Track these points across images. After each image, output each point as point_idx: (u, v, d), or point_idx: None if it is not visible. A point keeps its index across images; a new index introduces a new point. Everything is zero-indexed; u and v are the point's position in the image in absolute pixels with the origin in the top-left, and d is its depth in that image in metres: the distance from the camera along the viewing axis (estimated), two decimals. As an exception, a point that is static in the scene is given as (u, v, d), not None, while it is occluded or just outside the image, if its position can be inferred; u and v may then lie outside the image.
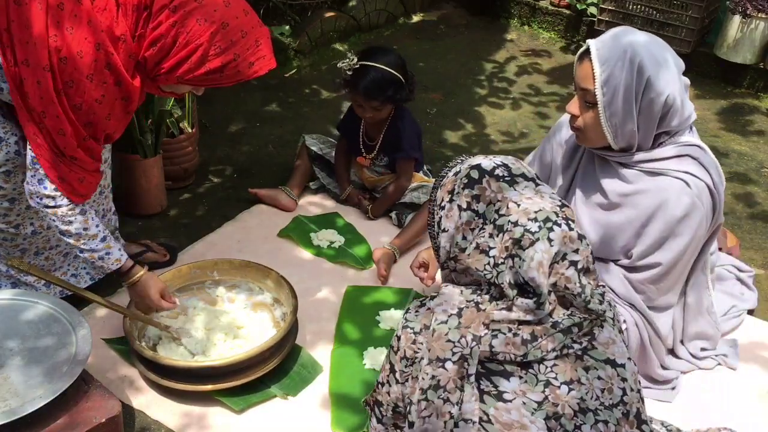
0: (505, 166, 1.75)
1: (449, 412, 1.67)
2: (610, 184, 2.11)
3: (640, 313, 2.13)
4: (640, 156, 2.06)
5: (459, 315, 1.72)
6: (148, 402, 2.11)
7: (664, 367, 2.23)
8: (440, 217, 1.80)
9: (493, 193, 1.72)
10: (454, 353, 1.67)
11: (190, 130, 3.01)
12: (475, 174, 1.74)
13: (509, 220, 1.68)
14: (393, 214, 2.91)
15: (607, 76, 1.96)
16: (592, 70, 1.97)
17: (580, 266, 1.68)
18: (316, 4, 4.44)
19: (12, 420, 1.72)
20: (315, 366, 2.24)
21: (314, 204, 3.01)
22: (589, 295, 1.70)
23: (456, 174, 1.78)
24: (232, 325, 2.27)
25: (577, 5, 4.58)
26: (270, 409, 2.11)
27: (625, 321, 2.11)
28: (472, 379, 1.66)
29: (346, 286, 2.57)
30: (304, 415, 2.09)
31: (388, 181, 2.93)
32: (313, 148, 3.01)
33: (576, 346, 1.68)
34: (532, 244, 1.64)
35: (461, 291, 1.78)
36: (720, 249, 2.69)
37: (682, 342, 2.27)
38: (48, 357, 1.90)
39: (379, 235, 2.84)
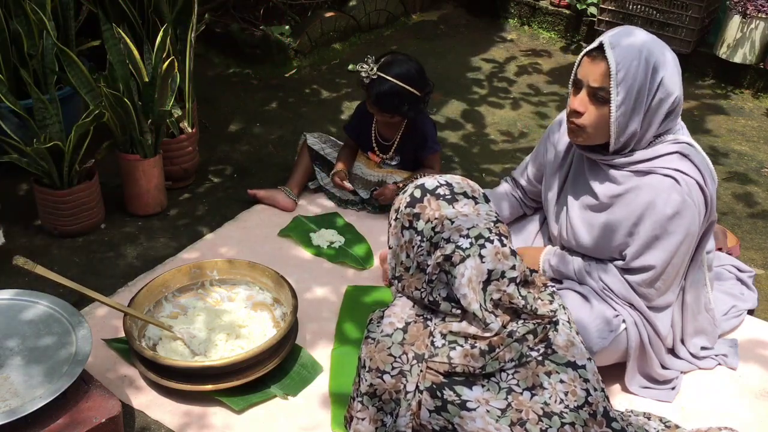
0: (449, 185, 1.78)
1: (381, 420, 1.73)
2: (599, 186, 2.12)
3: (640, 312, 2.13)
4: (630, 157, 2.06)
5: (404, 330, 1.75)
6: (148, 402, 2.11)
7: (664, 367, 2.23)
8: (389, 234, 1.85)
9: (432, 211, 1.74)
10: (393, 368, 1.71)
11: (190, 130, 3.01)
12: (417, 193, 1.78)
13: (442, 237, 1.70)
14: (394, 214, 2.92)
15: (624, 75, 1.94)
16: (607, 67, 1.95)
17: (518, 281, 1.71)
18: (316, 4, 4.44)
19: (12, 420, 1.72)
20: (315, 366, 2.24)
21: (314, 204, 3.01)
22: (533, 303, 1.73)
23: (403, 193, 1.82)
24: (234, 324, 2.28)
25: (577, 5, 4.58)
26: (270, 409, 2.11)
27: (624, 321, 2.11)
28: (409, 396, 1.69)
29: (346, 286, 2.57)
30: (304, 415, 2.09)
31: (398, 176, 2.93)
32: (314, 147, 3.01)
33: (534, 353, 1.70)
34: (463, 260, 1.67)
35: (413, 305, 1.80)
36: (720, 249, 2.69)
37: (682, 341, 2.27)
38: (48, 357, 1.90)
39: (379, 235, 2.84)
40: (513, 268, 1.70)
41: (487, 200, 1.82)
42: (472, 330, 1.69)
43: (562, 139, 2.24)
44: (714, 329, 2.32)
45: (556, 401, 1.67)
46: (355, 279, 2.63)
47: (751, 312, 2.53)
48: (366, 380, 1.74)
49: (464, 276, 1.66)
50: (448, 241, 1.69)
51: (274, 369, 2.15)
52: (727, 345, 2.36)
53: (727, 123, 3.91)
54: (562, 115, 2.23)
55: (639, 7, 4.30)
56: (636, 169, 2.05)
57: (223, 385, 2.07)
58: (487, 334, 1.68)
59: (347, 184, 2.89)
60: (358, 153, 3.02)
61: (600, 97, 1.99)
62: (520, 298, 1.71)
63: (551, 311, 1.76)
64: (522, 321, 1.72)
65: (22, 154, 2.56)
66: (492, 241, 1.69)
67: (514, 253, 1.73)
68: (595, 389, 1.72)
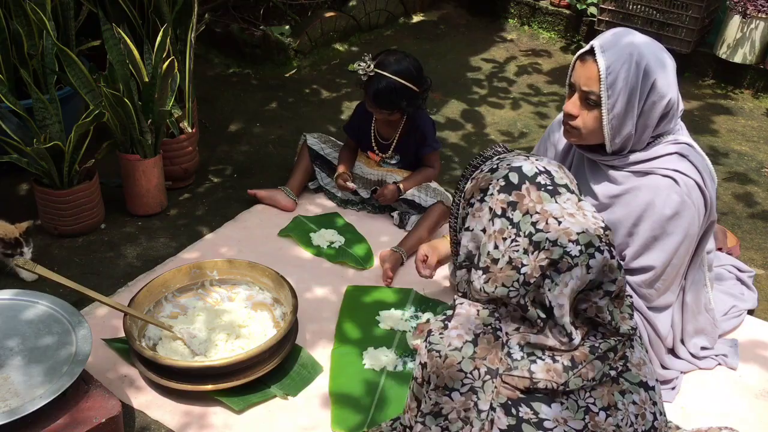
0: (548, 173, 1.59)
1: None
2: (599, 187, 2.12)
3: (640, 313, 2.13)
4: (629, 158, 2.06)
5: (474, 343, 1.58)
6: (148, 402, 2.11)
7: (664, 367, 2.23)
8: (466, 213, 1.64)
9: (532, 203, 1.55)
10: (464, 384, 1.56)
11: (190, 130, 3.01)
12: (514, 178, 1.58)
13: (548, 238, 1.52)
14: (395, 214, 2.91)
15: (614, 79, 1.94)
16: (598, 71, 1.96)
17: (613, 295, 1.57)
18: (316, 4, 4.44)
19: (12, 420, 1.72)
20: (315, 366, 2.24)
21: (314, 204, 3.01)
22: (618, 320, 1.59)
23: (492, 172, 1.61)
24: (234, 324, 2.28)
25: (577, 5, 4.58)
26: (270, 409, 2.11)
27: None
28: (483, 415, 1.55)
29: (346, 286, 2.57)
30: (304, 415, 2.09)
31: (398, 175, 2.93)
32: (314, 147, 3.01)
33: (612, 372, 1.59)
34: (570, 269, 1.51)
35: (478, 311, 1.63)
36: (720, 249, 2.69)
37: (682, 342, 2.27)
38: (48, 357, 1.90)
39: (379, 235, 2.84)
40: (613, 281, 1.55)
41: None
42: (551, 342, 1.54)
43: (562, 139, 2.24)
44: (714, 329, 2.32)
45: (627, 424, 1.56)
46: (355, 279, 2.63)
47: (751, 312, 2.53)
48: (430, 399, 1.58)
49: (567, 286, 1.51)
50: (555, 243, 1.51)
51: (274, 369, 2.15)
52: (727, 345, 2.36)
53: (727, 123, 3.91)
54: (562, 115, 2.23)
55: (639, 7, 4.30)
56: (635, 169, 2.06)
57: (223, 385, 2.07)
58: (565, 348, 1.55)
59: (350, 184, 2.89)
60: (358, 153, 3.02)
61: (591, 100, 2.00)
62: (607, 313, 1.57)
63: (632, 328, 1.62)
64: (601, 335, 1.59)
65: (22, 154, 2.56)
66: (602, 252, 1.52)
67: (620, 266, 1.57)
68: (661, 413, 1.62)
